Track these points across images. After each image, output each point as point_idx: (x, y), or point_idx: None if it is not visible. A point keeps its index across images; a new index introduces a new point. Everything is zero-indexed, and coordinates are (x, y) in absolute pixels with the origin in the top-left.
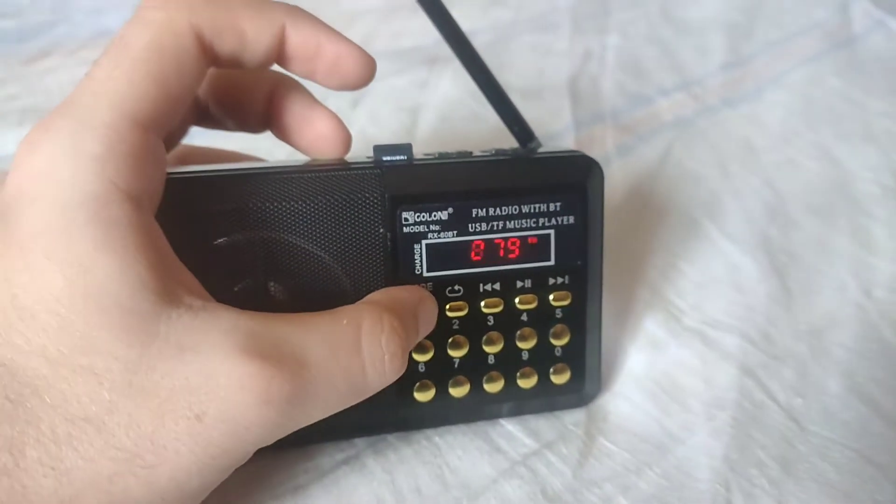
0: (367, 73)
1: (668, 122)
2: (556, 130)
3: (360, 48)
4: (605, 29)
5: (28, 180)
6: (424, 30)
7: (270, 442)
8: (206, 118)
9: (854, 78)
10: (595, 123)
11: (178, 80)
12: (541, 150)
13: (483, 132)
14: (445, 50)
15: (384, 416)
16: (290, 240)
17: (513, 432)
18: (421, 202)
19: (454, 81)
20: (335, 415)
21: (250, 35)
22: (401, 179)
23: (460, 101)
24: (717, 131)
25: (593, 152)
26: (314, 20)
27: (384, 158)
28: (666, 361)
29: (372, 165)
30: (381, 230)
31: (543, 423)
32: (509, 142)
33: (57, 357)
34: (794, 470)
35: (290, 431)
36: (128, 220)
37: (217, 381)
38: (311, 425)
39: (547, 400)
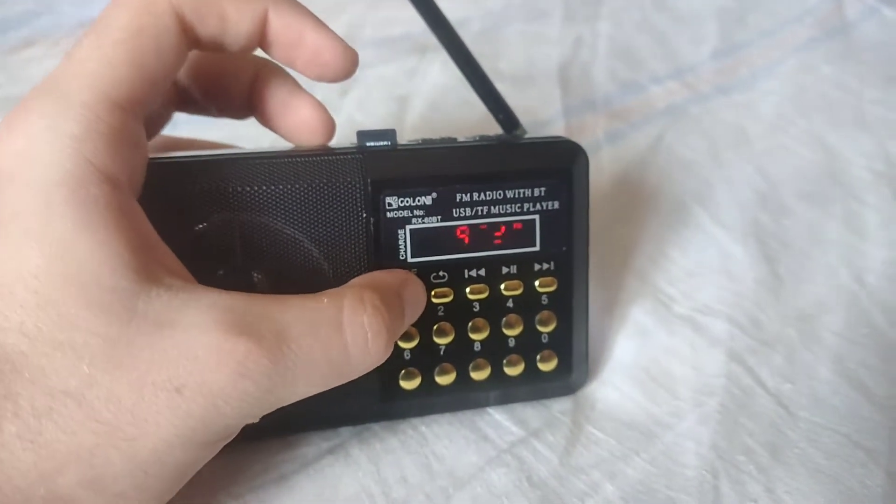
0: (348, 65)
1: (659, 110)
2: (546, 117)
3: (341, 40)
4: (597, 16)
5: (5, 160)
6: (413, 18)
7: (253, 418)
8: (190, 103)
9: (847, 65)
10: (586, 111)
11: (157, 61)
12: (526, 136)
13: (472, 120)
14: (434, 38)
15: (369, 405)
16: (272, 224)
17: (499, 421)
18: (405, 187)
19: (443, 69)
20: (320, 403)
21: (232, 18)
22: (384, 164)
23: (450, 89)
24: (709, 119)
25: (583, 140)
26: (298, 7)
27: (367, 144)
28: (655, 348)
29: (355, 150)
30: (364, 215)
31: (530, 411)
32: (498, 128)
33: (35, 333)
34: (783, 456)
35: (270, 408)
36: (105, 199)
37: (195, 354)
38: (296, 414)
39: (534, 388)
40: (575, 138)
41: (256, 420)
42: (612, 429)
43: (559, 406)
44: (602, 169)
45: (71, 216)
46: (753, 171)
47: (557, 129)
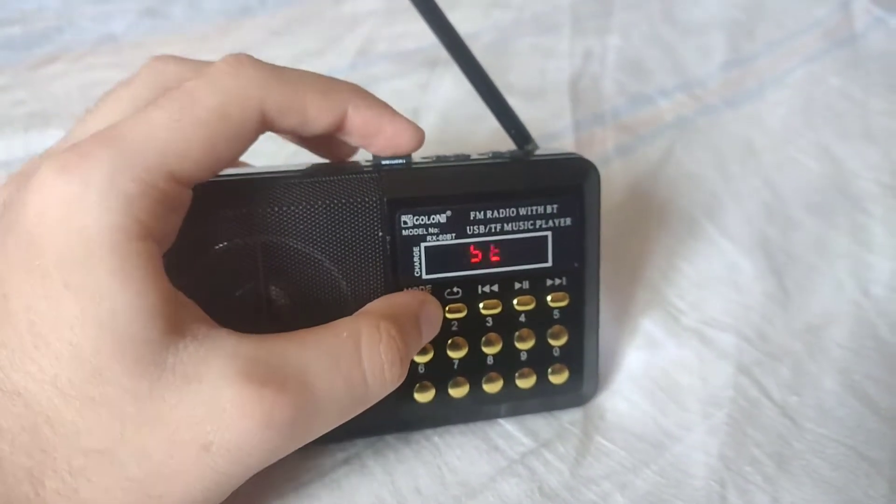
0: (418, 143)
1: (668, 123)
2: (556, 130)
3: (413, 123)
4: (607, 29)
5: (56, 205)
6: (425, 32)
7: (277, 459)
8: None
9: (854, 77)
10: (595, 124)
11: (229, 148)
12: (538, 152)
13: (484, 133)
14: (446, 53)
15: (385, 417)
16: (290, 244)
17: (511, 432)
18: (419, 205)
19: (455, 83)
20: None
21: (312, 116)
22: (399, 183)
23: (461, 103)
24: (717, 131)
25: (593, 152)
26: (375, 101)
27: (382, 162)
28: (664, 360)
29: (371, 169)
30: (380, 233)
31: (541, 423)
32: (509, 143)
33: (68, 388)
34: (789, 466)
35: (295, 447)
36: (147, 253)
37: (221, 409)
38: None
39: (545, 400)
40: (585, 151)
41: (279, 458)
42: (622, 440)
43: (569, 417)
44: (612, 181)
45: (110, 266)
46: (761, 184)
47: (567, 143)
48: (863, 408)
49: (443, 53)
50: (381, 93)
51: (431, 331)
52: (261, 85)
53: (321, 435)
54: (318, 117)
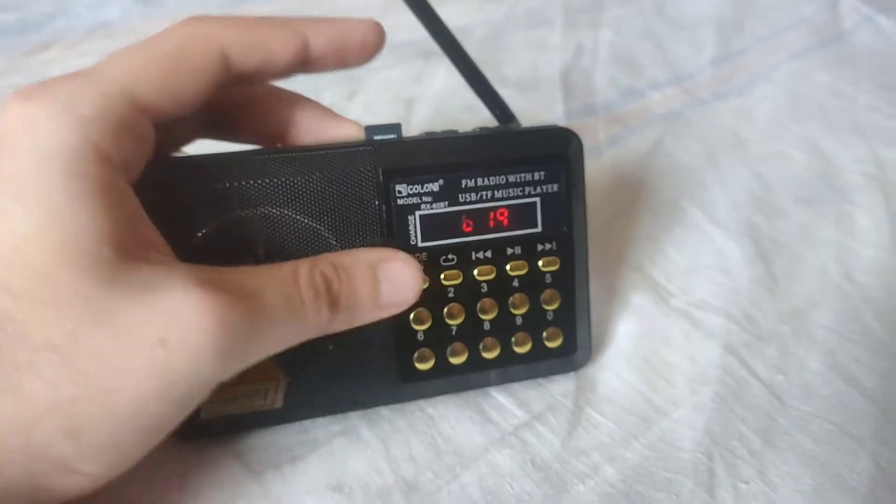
0: (382, 33)
1: (658, 115)
2: (548, 120)
3: (370, 20)
4: (598, 24)
5: (14, 129)
6: (418, 25)
7: (228, 374)
8: (217, 130)
9: (842, 72)
10: (587, 115)
11: (189, 83)
12: (521, 127)
13: (476, 122)
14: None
15: (388, 387)
16: (289, 215)
17: (504, 403)
18: (413, 175)
19: (448, 74)
20: (337, 388)
21: (275, 49)
22: (392, 154)
23: (454, 93)
24: (706, 124)
25: (585, 142)
26: (330, 20)
27: (375, 137)
28: (653, 339)
29: (364, 143)
30: (377, 202)
31: (533, 394)
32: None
33: (19, 291)
34: (774, 441)
35: (240, 365)
36: (101, 177)
37: (177, 309)
38: (317, 399)
39: (541, 365)
40: None
41: (226, 379)
42: (612, 413)
43: (561, 389)
44: (603, 170)
45: (65, 187)
46: (749, 175)
47: None
48: (847, 387)
49: (435, 46)
50: (376, 83)
51: (396, 288)
52: (219, 28)
53: (268, 355)
54: (282, 49)
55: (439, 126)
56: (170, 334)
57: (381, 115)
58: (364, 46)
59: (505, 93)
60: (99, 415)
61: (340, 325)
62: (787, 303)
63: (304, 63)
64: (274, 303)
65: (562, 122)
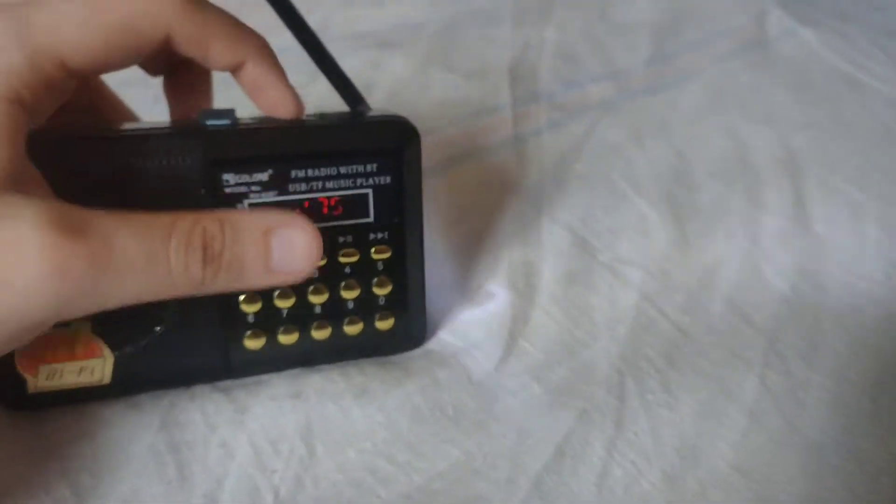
0: (294, 116)
1: (594, 104)
2: (495, 105)
3: (295, 98)
4: (545, 24)
5: None
6: (377, 17)
7: (66, 317)
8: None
9: (762, 74)
10: (531, 102)
11: (126, 56)
12: (369, 113)
13: (429, 107)
14: (397, 36)
15: (215, 363)
16: (121, 199)
17: (444, 337)
18: (241, 164)
19: (404, 63)
20: (164, 365)
21: (213, 56)
22: (222, 143)
23: (409, 80)
24: (636, 112)
25: (528, 126)
26: (272, 64)
27: (208, 122)
28: (579, 286)
29: (195, 130)
30: (203, 191)
31: (472, 328)
32: (448, 115)
33: None
34: (677, 363)
35: (86, 310)
36: (14, 120)
37: (17, 247)
38: (142, 373)
39: (374, 344)
40: (521, 124)
41: (69, 318)
42: (541, 344)
43: (497, 322)
44: (543, 149)
45: None
46: (671, 154)
47: (504, 117)
48: (742, 324)
49: (393, 37)
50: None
51: (296, 257)
52: (174, 11)
53: (117, 304)
54: (218, 59)
55: (396, 109)
56: (6, 273)
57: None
58: (273, 108)
59: (454, 80)
60: None
61: (222, 285)
62: (697, 260)
63: (231, 72)
64: (130, 253)
65: (508, 107)
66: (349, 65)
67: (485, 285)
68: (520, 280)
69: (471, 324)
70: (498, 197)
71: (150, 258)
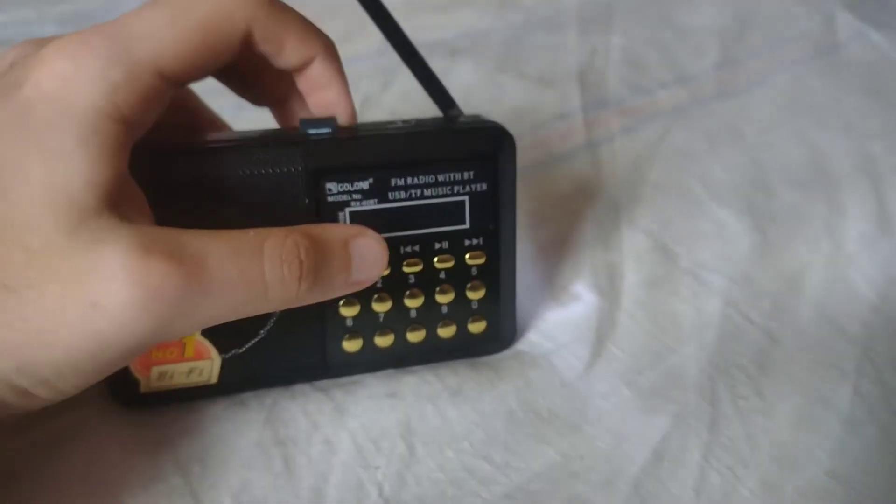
0: (345, 121)
1: (665, 110)
2: (566, 112)
3: (351, 105)
4: (609, 31)
5: (51, 81)
6: (443, 25)
7: (166, 339)
8: (224, 78)
9: (834, 80)
10: (601, 108)
11: (214, 57)
12: (461, 118)
13: (503, 114)
14: (464, 43)
15: (315, 366)
16: (227, 210)
17: (533, 338)
18: (343, 173)
19: (474, 70)
20: (268, 366)
21: (287, 50)
22: (324, 152)
23: (478, 87)
24: (708, 119)
25: (599, 132)
26: (338, 67)
27: (310, 131)
28: (663, 291)
29: (298, 140)
30: (307, 200)
31: (560, 330)
32: (522, 122)
33: (7, 230)
34: (769, 370)
35: (186, 331)
36: (115, 137)
37: (113, 273)
38: (245, 376)
39: (466, 346)
40: (592, 130)
41: (176, 339)
42: (628, 348)
43: (587, 325)
44: (616, 155)
45: (79, 135)
46: (748, 161)
47: (576, 124)
48: (833, 332)
49: (461, 44)
50: (405, 78)
51: (367, 266)
52: (254, 6)
53: (213, 323)
54: (291, 54)
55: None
56: (102, 298)
57: (413, 105)
58: (327, 110)
59: (525, 86)
60: (41, 361)
61: (312, 297)
62: (781, 266)
63: (296, 70)
64: (225, 272)
65: (579, 113)
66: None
67: (569, 286)
68: (604, 282)
69: (558, 325)
70: (576, 202)
71: (245, 275)
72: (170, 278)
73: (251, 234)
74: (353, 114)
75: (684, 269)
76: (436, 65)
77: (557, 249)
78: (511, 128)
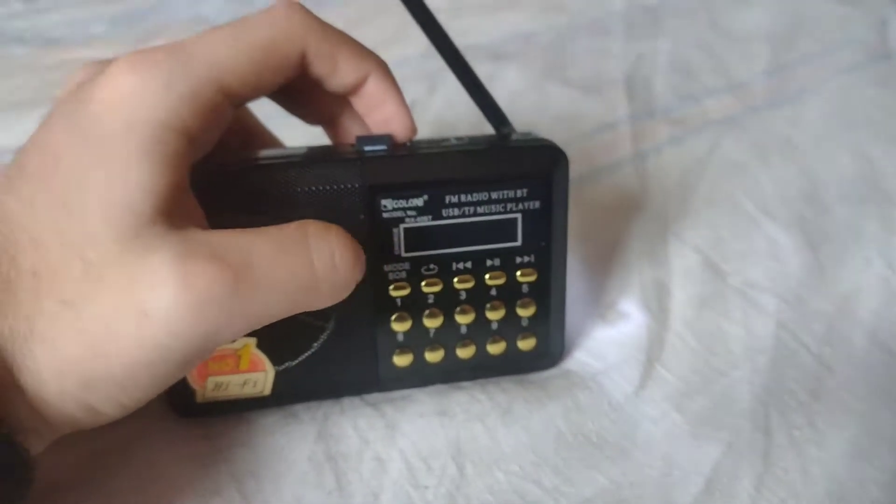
0: (406, 136)
1: (715, 119)
2: (612, 121)
3: (410, 118)
4: (656, 35)
5: (119, 96)
6: (488, 28)
7: (221, 342)
8: (279, 100)
9: (890, 89)
10: (648, 117)
11: (273, 76)
12: (513, 136)
13: (548, 122)
14: (509, 48)
15: (365, 380)
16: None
17: (581, 357)
18: (398, 190)
19: (519, 76)
20: (320, 379)
21: (341, 69)
22: (379, 169)
23: (522, 94)
24: (759, 129)
25: (647, 142)
26: (393, 82)
27: (365, 148)
28: (712, 311)
29: (354, 156)
30: (362, 216)
31: (609, 350)
32: (568, 131)
33: (68, 243)
34: (823, 398)
35: (239, 332)
36: (176, 149)
37: (162, 280)
38: (297, 389)
39: (514, 364)
40: (640, 141)
41: (232, 342)
42: (678, 370)
43: (635, 344)
44: (663, 167)
45: (144, 147)
46: (799, 174)
47: (623, 133)
48: (889, 359)
49: (504, 49)
50: (450, 83)
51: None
52: (308, 28)
53: (266, 321)
54: (346, 72)
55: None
56: (151, 305)
57: (459, 109)
58: (387, 126)
59: (571, 94)
60: (102, 375)
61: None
62: (834, 287)
63: (351, 92)
64: (271, 266)
65: (626, 123)
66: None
67: (617, 304)
68: (652, 301)
69: (606, 344)
70: (623, 215)
71: (292, 267)
72: (216, 280)
73: (292, 226)
74: (413, 128)
75: (734, 289)
76: (480, 70)
77: (604, 265)
78: (556, 138)
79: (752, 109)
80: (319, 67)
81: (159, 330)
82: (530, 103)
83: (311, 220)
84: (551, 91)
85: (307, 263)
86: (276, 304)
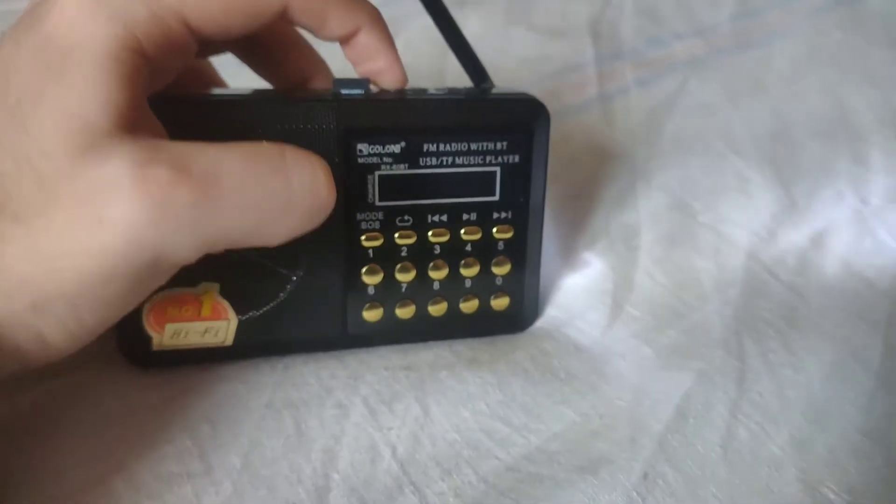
0: (399, 85)
1: (682, 61)
2: (579, 63)
3: (402, 70)
4: None
5: (73, 14)
6: None
7: (183, 257)
8: (245, 55)
9: (856, 31)
10: (615, 60)
11: (245, 20)
12: (493, 90)
13: (511, 65)
14: None
15: (333, 334)
16: None
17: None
18: (375, 135)
19: (480, 23)
20: (286, 331)
21: (329, 24)
22: (356, 112)
23: (489, 39)
24: (727, 71)
25: (613, 84)
26: (385, 32)
27: (342, 91)
28: (682, 247)
29: (330, 98)
30: (336, 160)
31: (574, 300)
32: (531, 74)
33: (22, 160)
34: (797, 325)
35: (199, 247)
36: (133, 63)
37: (119, 186)
38: (261, 341)
39: (486, 324)
40: (606, 82)
41: (191, 261)
42: (648, 308)
43: (601, 288)
44: (631, 108)
45: (97, 62)
46: (769, 114)
47: (589, 75)
48: (862, 287)
49: None
50: (411, 29)
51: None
52: None
53: (229, 242)
54: (336, 26)
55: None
56: (108, 211)
57: (421, 54)
58: (379, 76)
59: (535, 38)
60: (53, 293)
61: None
62: (806, 221)
63: (342, 42)
64: (240, 183)
65: (592, 65)
66: (427, 25)
67: (584, 251)
68: (619, 244)
69: (572, 293)
70: (588, 157)
71: (267, 183)
72: (176, 187)
73: (267, 144)
74: (405, 81)
75: (704, 225)
76: None
77: (569, 209)
78: (518, 80)
79: (721, 52)
80: (306, 21)
81: (115, 237)
82: (495, 48)
83: (288, 144)
84: (515, 35)
85: (284, 181)
86: (241, 222)
